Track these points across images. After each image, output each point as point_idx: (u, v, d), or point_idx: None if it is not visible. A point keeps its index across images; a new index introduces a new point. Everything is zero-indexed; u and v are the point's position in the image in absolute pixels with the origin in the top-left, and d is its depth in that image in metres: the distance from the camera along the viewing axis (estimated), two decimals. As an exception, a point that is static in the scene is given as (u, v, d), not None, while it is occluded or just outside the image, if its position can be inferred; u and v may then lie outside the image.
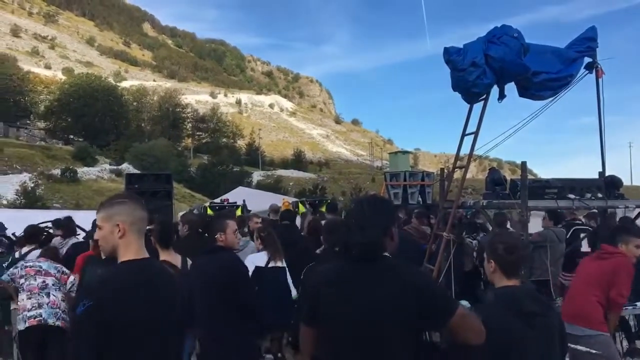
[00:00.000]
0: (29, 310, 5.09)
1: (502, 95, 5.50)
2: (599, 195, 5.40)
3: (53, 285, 5.25)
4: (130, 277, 2.32)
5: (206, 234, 5.28)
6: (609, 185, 5.53)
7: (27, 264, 5.39)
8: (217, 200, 17.33)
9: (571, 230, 8.03)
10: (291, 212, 9.01)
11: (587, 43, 5.78)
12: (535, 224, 8.93)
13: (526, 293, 2.73)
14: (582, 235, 7.30)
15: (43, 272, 5.32)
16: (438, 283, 5.61)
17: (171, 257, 4.69)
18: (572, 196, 5.29)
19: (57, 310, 5.14)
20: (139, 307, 2.24)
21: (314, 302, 2.53)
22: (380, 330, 2.32)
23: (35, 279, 5.25)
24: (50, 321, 5.05)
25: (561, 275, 7.78)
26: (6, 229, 8.64)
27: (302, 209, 14.73)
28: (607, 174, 5.85)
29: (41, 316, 5.05)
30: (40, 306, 5.10)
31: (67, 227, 7.32)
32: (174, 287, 2.45)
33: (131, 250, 2.37)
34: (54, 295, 5.19)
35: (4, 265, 6.20)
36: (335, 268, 2.55)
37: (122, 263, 2.36)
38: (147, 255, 2.42)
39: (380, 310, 2.32)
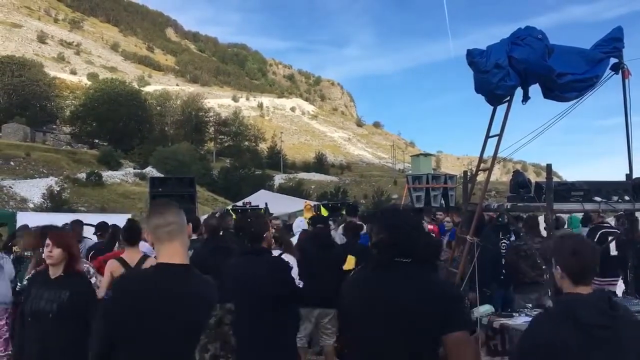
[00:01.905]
0: None
1: (526, 97, 5.45)
2: (626, 197, 5.30)
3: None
4: (147, 277, 2.50)
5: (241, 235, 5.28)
6: (637, 188, 5.43)
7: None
8: (240, 203, 17.44)
9: (598, 234, 7.92)
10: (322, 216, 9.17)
11: (613, 43, 5.68)
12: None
13: (590, 301, 2.37)
14: (610, 238, 7.19)
15: None
16: (462, 287, 5.57)
17: (131, 255, 5.18)
18: (598, 199, 5.20)
19: None
20: (145, 307, 2.34)
21: (343, 301, 2.61)
22: (400, 333, 2.36)
23: None
24: None
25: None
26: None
27: (324, 212, 14.73)
28: (634, 176, 5.75)
29: None
30: None
31: (110, 232, 7.41)
32: (194, 293, 2.42)
33: (161, 254, 2.50)
34: None
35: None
36: (366, 274, 2.59)
37: (151, 266, 2.50)
38: (182, 260, 2.48)
39: (403, 314, 2.36)
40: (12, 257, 7.99)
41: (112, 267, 5.25)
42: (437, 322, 2.34)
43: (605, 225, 8.22)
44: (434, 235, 8.32)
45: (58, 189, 47.86)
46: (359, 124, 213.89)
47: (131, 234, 5.30)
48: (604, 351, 2.25)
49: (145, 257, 5.31)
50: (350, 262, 5.57)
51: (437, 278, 2.56)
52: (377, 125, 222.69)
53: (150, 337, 2.33)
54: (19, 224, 12.06)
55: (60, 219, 8.73)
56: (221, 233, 6.73)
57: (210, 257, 5.63)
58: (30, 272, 5.40)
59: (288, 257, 5.56)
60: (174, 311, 2.34)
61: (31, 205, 45.06)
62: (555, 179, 5.45)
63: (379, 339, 2.41)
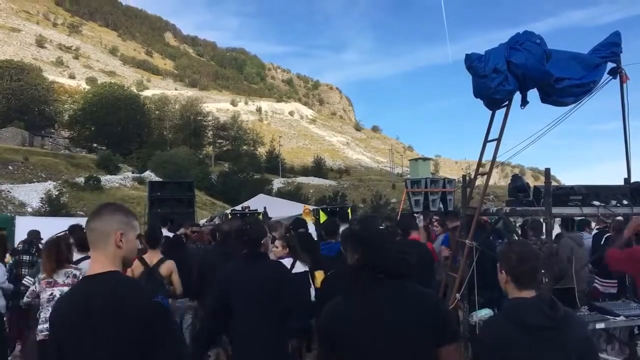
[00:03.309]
0: (40, 324, 5.20)
1: (524, 102, 5.47)
2: (625, 202, 5.32)
3: (60, 295, 5.23)
4: (72, 291, 2.50)
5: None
6: (635, 192, 5.44)
7: (42, 276, 5.38)
8: (238, 207, 17.42)
9: (604, 238, 7.96)
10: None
11: (610, 48, 5.71)
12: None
13: (536, 304, 2.50)
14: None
15: (53, 282, 5.30)
16: (461, 292, 5.58)
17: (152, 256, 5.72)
18: (597, 203, 5.21)
19: None
20: (67, 323, 2.27)
21: (332, 328, 2.50)
22: (405, 349, 2.38)
23: (46, 292, 5.28)
24: None
25: (598, 281, 7.72)
26: (42, 238, 8.64)
27: (323, 216, 14.72)
28: (632, 180, 5.76)
29: (48, 330, 5.12)
30: (46, 320, 5.06)
31: None
32: (111, 301, 2.24)
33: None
34: None
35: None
36: (351, 296, 2.53)
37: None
38: (101, 269, 2.32)
39: (405, 330, 2.38)
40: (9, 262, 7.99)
41: (134, 266, 5.62)
42: (433, 335, 2.40)
43: (608, 230, 8.27)
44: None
45: (56, 193, 47.81)
46: (358, 128, 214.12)
47: (152, 238, 5.88)
48: (548, 350, 2.42)
49: (163, 259, 5.80)
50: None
51: (425, 290, 2.58)
52: (375, 129, 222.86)
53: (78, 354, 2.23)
54: (17, 228, 12.10)
55: (58, 223, 8.74)
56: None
57: (215, 261, 5.73)
58: (42, 273, 5.42)
59: (298, 264, 5.57)
60: (97, 323, 2.19)
61: (29, 210, 45.00)
62: (553, 184, 5.46)
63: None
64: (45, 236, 8.63)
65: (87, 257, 6.43)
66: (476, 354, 2.69)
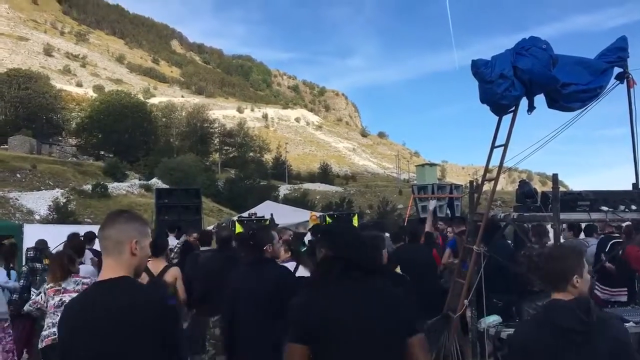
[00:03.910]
0: (44, 330, 5.25)
1: (531, 107, 5.47)
2: (633, 207, 5.29)
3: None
4: (83, 296, 2.53)
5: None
6: (644, 197, 5.42)
7: (48, 286, 5.41)
8: (245, 214, 17.45)
9: (610, 244, 7.89)
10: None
11: (617, 53, 5.70)
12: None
13: (570, 307, 2.49)
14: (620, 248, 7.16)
15: (62, 290, 5.33)
16: (469, 298, 5.55)
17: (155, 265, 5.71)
18: (605, 208, 5.19)
19: None
20: (79, 326, 2.30)
21: (303, 320, 2.52)
22: (375, 341, 2.44)
23: (54, 298, 5.31)
24: None
25: (599, 288, 7.64)
26: (49, 247, 8.66)
27: (329, 222, 14.73)
28: (642, 185, 5.74)
29: (55, 334, 5.12)
30: (54, 325, 5.10)
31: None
32: (126, 304, 2.28)
33: (102, 268, 2.46)
34: None
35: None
36: (323, 291, 2.57)
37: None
38: (115, 274, 2.36)
39: (375, 323, 2.45)
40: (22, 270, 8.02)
41: (177, 272, 5.77)
42: (404, 327, 2.50)
43: (615, 235, 8.20)
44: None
45: (64, 200, 47.99)
46: (364, 134, 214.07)
47: (156, 246, 5.79)
48: (578, 354, 2.42)
49: (167, 266, 5.82)
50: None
51: (391, 285, 2.67)
52: (381, 135, 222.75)
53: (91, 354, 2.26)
54: (25, 236, 12.12)
55: (66, 231, 8.75)
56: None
57: (219, 266, 5.79)
58: (48, 283, 5.45)
59: (301, 268, 5.58)
60: (108, 326, 2.23)
61: (37, 217, 45.21)
62: (561, 189, 5.45)
63: (357, 355, 2.43)
64: (53, 244, 8.70)
65: (80, 263, 6.52)
66: (506, 354, 2.73)
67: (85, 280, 5.46)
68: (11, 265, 7.90)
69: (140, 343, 2.23)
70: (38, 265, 7.79)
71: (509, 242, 8.00)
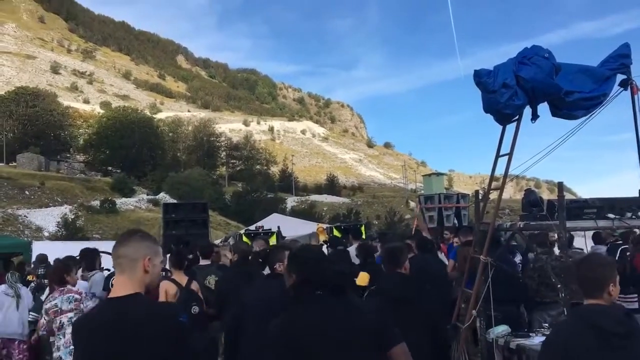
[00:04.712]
0: (51, 354, 5.31)
1: (535, 116, 5.46)
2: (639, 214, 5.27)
3: (67, 321, 5.24)
4: (96, 313, 2.59)
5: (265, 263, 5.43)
6: (650, 204, 5.39)
7: (48, 307, 5.44)
8: (252, 227, 17.43)
9: (619, 251, 7.85)
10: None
11: (620, 60, 5.69)
12: (579, 244, 8.78)
13: (612, 311, 2.54)
14: (629, 254, 7.13)
15: (60, 311, 5.36)
16: (477, 308, 5.52)
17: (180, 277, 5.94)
18: (611, 216, 5.17)
19: (72, 347, 5.19)
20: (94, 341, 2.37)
21: (283, 342, 2.61)
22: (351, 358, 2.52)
23: (57, 321, 5.34)
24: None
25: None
26: (48, 261, 8.71)
27: (336, 234, 14.71)
28: (649, 191, 5.71)
29: (61, 358, 5.18)
30: (58, 349, 5.23)
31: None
32: (140, 319, 2.38)
33: (114, 285, 2.56)
34: (68, 334, 5.15)
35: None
36: (296, 313, 2.66)
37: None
38: (128, 291, 2.44)
39: (349, 341, 2.52)
40: (30, 286, 8.08)
41: (166, 287, 5.76)
42: (379, 340, 2.56)
43: (619, 243, 8.17)
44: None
45: (72, 217, 48.26)
46: (370, 144, 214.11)
47: (178, 259, 6.13)
48: (618, 357, 2.44)
49: (191, 279, 6.01)
50: (363, 279, 5.53)
51: (362, 303, 2.85)
52: (387, 145, 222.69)
53: None
54: (34, 252, 12.18)
55: (74, 247, 8.81)
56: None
57: (234, 281, 5.81)
58: (49, 300, 5.49)
59: None
60: (122, 342, 2.31)
61: (46, 234, 45.46)
62: (570, 196, 5.43)
63: None
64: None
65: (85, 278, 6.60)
66: (544, 353, 2.69)
67: (76, 296, 5.48)
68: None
69: (155, 355, 2.32)
70: (46, 281, 7.83)
71: (517, 252, 7.99)
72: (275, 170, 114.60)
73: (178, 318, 2.50)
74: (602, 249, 8.37)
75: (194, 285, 6.01)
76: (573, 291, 6.58)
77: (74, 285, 5.72)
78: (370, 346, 2.53)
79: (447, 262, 7.74)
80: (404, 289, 3.76)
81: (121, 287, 2.45)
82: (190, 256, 7.04)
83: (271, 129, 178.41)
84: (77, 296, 5.49)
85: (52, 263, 8.68)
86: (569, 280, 5.01)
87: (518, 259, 7.69)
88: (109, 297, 2.53)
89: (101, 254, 7.53)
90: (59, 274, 5.72)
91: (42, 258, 9.12)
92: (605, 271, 2.63)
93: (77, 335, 2.51)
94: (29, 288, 7.96)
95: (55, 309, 5.37)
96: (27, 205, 53.37)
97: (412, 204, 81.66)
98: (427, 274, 5.95)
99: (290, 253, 3.17)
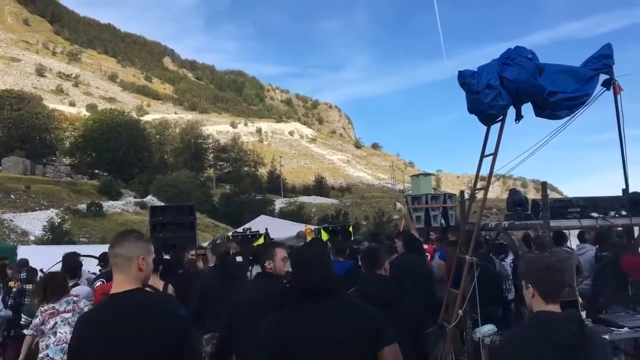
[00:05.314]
0: (39, 353, 5.24)
1: (519, 116, 5.50)
2: (623, 212, 5.32)
3: (62, 321, 5.26)
4: (98, 309, 2.81)
5: (257, 262, 5.43)
6: (633, 202, 5.44)
7: (44, 309, 5.39)
8: (240, 229, 17.39)
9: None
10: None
11: (603, 60, 5.75)
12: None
13: (564, 321, 2.41)
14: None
15: (56, 312, 5.34)
16: (463, 307, 5.55)
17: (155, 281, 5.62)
18: (595, 214, 5.21)
19: (64, 345, 5.17)
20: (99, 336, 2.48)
21: (273, 344, 2.63)
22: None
23: (50, 322, 5.32)
24: (57, 357, 5.14)
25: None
26: (27, 267, 8.59)
27: (324, 235, 14.71)
28: (632, 190, 5.77)
29: (48, 356, 5.15)
30: (47, 347, 5.20)
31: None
32: (140, 313, 2.53)
33: (113, 283, 2.70)
34: (60, 332, 5.23)
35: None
36: (293, 310, 2.68)
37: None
38: (127, 288, 2.59)
39: (341, 342, 2.53)
40: (13, 291, 8.01)
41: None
42: (372, 342, 2.57)
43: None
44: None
45: (59, 220, 47.80)
46: (358, 145, 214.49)
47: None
48: None
49: (166, 284, 5.88)
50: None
51: (356, 303, 2.76)
52: (375, 146, 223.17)
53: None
54: (19, 257, 12.09)
55: (60, 251, 8.71)
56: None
57: (216, 282, 5.81)
58: (40, 304, 5.44)
59: None
60: (127, 333, 2.44)
61: (32, 238, 44.99)
62: (557, 196, 5.48)
63: None
64: (48, 264, 8.66)
65: (76, 285, 6.52)
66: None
67: (74, 299, 5.47)
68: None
69: (159, 349, 2.45)
70: (29, 286, 7.76)
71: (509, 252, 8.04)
72: (263, 171, 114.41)
73: (179, 312, 2.66)
74: (588, 247, 8.43)
75: (170, 290, 6.05)
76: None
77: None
78: (361, 347, 2.54)
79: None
80: (382, 290, 3.75)
81: (120, 284, 2.61)
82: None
83: (259, 131, 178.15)
84: (74, 298, 5.52)
85: (37, 267, 8.64)
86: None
87: (510, 258, 7.73)
88: (110, 293, 2.65)
89: (85, 257, 7.47)
90: (64, 284, 5.64)
91: (23, 262, 9.07)
92: (565, 276, 2.58)
93: (80, 331, 2.59)
94: (11, 294, 7.90)
95: (51, 311, 5.34)
96: (13, 210, 52.79)
97: (399, 205, 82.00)
98: (412, 273, 5.95)
99: (290, 253, 3.20)
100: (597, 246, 7.73)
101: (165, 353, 2.45)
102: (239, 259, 8.52)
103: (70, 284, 6.27)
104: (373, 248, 4.52)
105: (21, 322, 6.99)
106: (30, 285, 7.81)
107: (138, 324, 2.46)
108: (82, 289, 6.45)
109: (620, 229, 6.77)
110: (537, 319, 2.52)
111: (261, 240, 13.34)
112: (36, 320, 5.45)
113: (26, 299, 7.62)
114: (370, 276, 4.08)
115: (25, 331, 5.76)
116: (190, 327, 2.73)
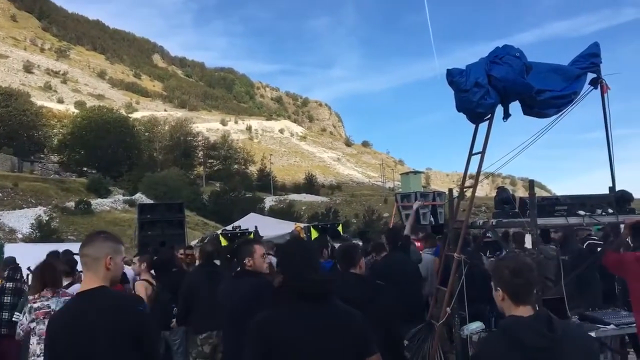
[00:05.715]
0: (37, 356, 5.03)
1: (507, 115, 5.52)
2: (610, 210, 5.36)
3: None
4: (67, 306, 3.00)
5: (235, 260, 5.38)
6: (620, 201, 5.49)
7: (36, 306, 5.25)
8: (229, 227, 17.33)
9: (585, 244, 7.95)
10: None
11: (590, 59, 5.78)
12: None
13: (533, 324, 2.38)
14: (599, 249, 7.21)
15: (52, 312, 5.17)
16: (451, 305, 5.57)
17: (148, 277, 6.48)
18: (582, 212, 5.24)
19: None
20: (65, 331, 2.72)
21: (265, 345, 2.60)
22: None
23: (44, 323, 5.17)
24: None
25: None
26: (14, 265, 8.48)
27: (314, 233, 14.70)
28: (619, 188, 5.80)
29: (35, 352, 5.01)
30: (38, 343, 5.04)
31: None
32: (105, 308, 2.72)
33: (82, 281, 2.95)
34: None
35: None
36: (287, 310, 2.67)
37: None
38: (93, 285, 2.79)
39: (328, 346, 2.55)
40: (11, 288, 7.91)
41: (145, 286, 6.38)
42: (359, 348, 2.60)
43: (593, 238, 8.29)
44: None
45: (47, 218, 47.40)
46: (348, 143, 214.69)
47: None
48: None
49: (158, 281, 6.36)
50: None
51: (346, 308, 2.73)
52: (365, 144, 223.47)
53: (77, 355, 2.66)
54: (6, 255, 11.98)
55: (49, 249, 8.64)
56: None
57: (202, 281, 5.81)
58: (31, 303, 5.31)
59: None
60: (90, 329, 2.64)
61: (20, 236, 44.61)
62: (545, 194, 5.51)
63: None
64: (36, 262, 8.56)
65: (73, 283, 6.43)
66: None
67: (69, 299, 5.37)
68: None
69: (120, 342, 2.66)
70: (9, 284, 7.62)
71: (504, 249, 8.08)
72: (253, 169, 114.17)
73: (138, 307, 2.93)
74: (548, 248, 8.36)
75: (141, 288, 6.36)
76: (546, 286, 6.70)
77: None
78: (347, 354, 2.57)
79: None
80: (355, 290, 3.75)
81: (88, 282, 2.81)
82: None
83: (249, 128, 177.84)
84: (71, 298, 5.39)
85: (25, 266, 8.55)
86: (541, 276, 5.07)
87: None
88: (78, 291, 2.87)
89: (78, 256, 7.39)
90: (58, 275, 5.53)
91: (10, 260, 8.99)
92: (533, 275, 2.51)
93: (51, 329, 2.79)
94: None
95: (47, 310, 5.18)
96: (0, 207, 52.35)
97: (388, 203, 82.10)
98: (394, 272, 5.96)
99: (280, 251, 3.18)
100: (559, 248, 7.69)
101: (126, 345, 2.66)
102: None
103: (66, 283, 6.23)
104: (348, 246, 4.56)
105: (13, 319, 6.92)
106: (12, 283, 7.68)
107: (100, 319, 2.65)
108: (77, 288, 6.37)
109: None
110: (505, 325, 2.48)
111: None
112: (24, 319, 5.30)
113: (5, 298, 7.50)
114: (346, 275, 4.10)
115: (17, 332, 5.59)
116: (149, 320, 2.99)
